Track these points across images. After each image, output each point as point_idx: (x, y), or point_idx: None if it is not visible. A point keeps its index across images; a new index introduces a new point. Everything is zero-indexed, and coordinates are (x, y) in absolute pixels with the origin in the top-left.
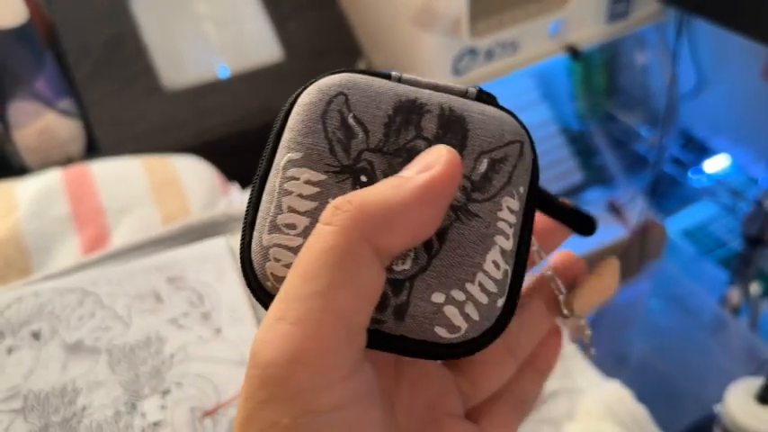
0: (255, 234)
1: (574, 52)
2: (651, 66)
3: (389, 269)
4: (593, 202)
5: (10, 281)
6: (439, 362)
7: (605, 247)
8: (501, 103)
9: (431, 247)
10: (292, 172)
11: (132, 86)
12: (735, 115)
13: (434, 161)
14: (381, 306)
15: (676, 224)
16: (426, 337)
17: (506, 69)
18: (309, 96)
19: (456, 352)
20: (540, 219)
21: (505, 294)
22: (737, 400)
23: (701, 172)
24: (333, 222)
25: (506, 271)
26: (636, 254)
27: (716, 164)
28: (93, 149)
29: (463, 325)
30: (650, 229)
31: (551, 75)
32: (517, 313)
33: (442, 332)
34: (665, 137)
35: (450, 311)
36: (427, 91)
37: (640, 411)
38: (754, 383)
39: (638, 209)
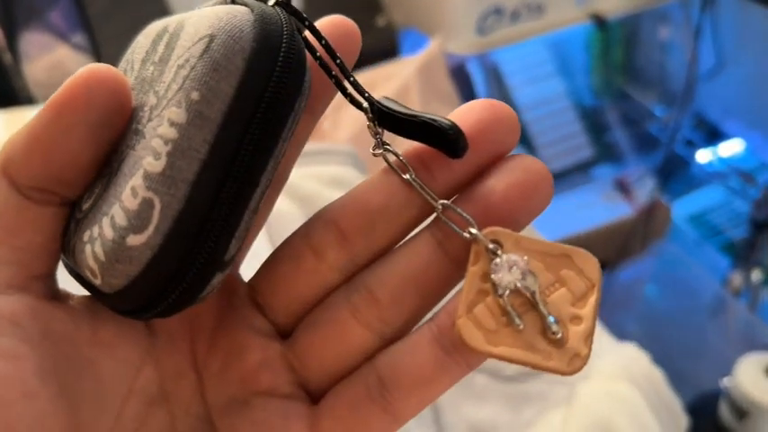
0: None
1: (599, 21)
2: (671, 43)
3: (80, 209)
4: (601, 179)
5: None
6: (262, 329)
7: (610, 225)
8: (515, 74)
9: (108, 181)
10: None
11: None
12: (751, 99)
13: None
14: (66, 246)
15: (681, 208)
16: (88, 280)
17: (530, 33)
18: None
19: (119, 306)
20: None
21: (149, 230)
22: (747, 373)
23: (712, 155)
24: None
25: (147, 200)
26: (640, 233)
27: (729, 148)
28: None
29: (95, 267)
30: (656, 209)
31: (568, 48)
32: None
33: (87, 275)
34: (679, 117)
35: (87, 250)
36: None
37: (657, 374)
38: (763, 358)
39: (645, 188)
